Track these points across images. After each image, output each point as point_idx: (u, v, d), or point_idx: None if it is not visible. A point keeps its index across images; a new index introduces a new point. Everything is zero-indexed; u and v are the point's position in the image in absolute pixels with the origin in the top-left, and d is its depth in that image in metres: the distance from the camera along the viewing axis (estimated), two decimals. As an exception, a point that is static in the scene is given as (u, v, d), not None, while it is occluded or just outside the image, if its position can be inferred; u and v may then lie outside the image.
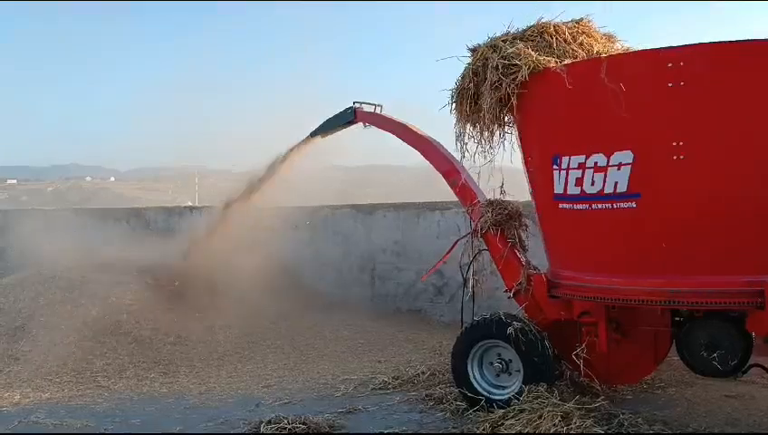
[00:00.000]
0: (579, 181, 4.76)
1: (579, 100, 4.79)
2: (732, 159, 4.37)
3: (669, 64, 4.36)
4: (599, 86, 4.49)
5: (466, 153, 5.52)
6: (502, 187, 5.66)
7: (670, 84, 4.37)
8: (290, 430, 4.96)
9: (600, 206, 4.70)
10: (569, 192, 4.85)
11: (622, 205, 4.60)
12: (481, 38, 5.33)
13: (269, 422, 5.07)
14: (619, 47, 5.57)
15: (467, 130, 5.43)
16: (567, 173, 4.83)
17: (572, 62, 4.93)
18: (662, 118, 4.47)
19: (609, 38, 5.60)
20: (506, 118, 5.31)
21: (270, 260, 9.98)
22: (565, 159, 4.84)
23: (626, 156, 4.52)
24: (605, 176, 4.61)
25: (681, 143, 4.37)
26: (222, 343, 8.58)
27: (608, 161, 4.60)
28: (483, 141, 5.41)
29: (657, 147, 4.48)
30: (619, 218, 4.65)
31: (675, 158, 4.39)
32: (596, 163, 4.66)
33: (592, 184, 4.69)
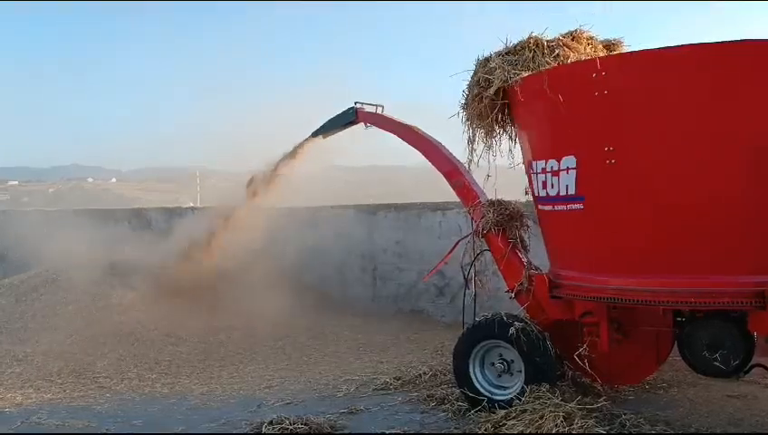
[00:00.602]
0: (544, 184, 5.10)
1: (534, 110, 5.14)
2: (657, 163, 4.54)
3: (594, 75, 4.63)
4: (545, 97, 4.81)
5: (474, 157, 5.74)
6: (526, 188, 5.74)
7: (596, 93, 4.63)
8: (291, 430, 4.95)
9: (559, 207, 5.05)
10: (540, 194, 5.20)
11: (573, 206, 4.92)
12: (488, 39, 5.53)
13: (271, 423, 5.06)
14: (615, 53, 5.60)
15: (476, 137, 5.66)
16: (537, 177, 5.19)
17: (524, 76, 5.14)
18: (594, 125, 4.74)
19: (608, 46, 5.64)
20: (497, 125, 5.57)
21: (271, 261, 9.99)
22: (534, 164, 5.21)
23: (571, 161, 4.84)
24: (559, 179, 4.95)
25: (611, 148, 4.63)
26: (224, 343, 8.59)
27: (559, 166, 4.93)
28: (487, 147, 5.67)
29: (592, 152, 4.74)
30: (572, 219, 4.98)
31: (607, 162, 4.64)
32: (552, 168, 5.00)
33: (552, 187, 5.03)
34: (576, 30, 5.54)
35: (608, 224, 4.77)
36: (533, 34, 5.40)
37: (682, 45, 4.39)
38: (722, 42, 4.29)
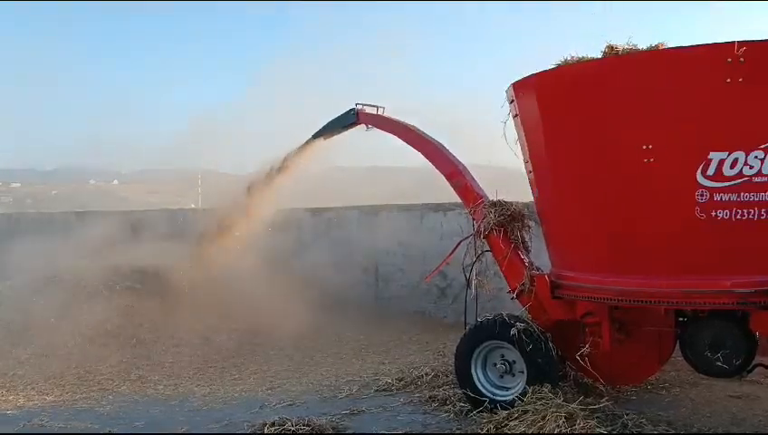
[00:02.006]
0: None
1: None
2: (551, 175, 5.17)
3: (512, 100, 5.34)
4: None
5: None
6: None
7: (514, 114, 5.38)
8: (293, 431, 4.96)
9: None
10: None
11: (537, 206, 5.62)
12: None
13: (273, 424, 5.06)
14: None
15: None
16: None
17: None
18: (521, 141, 5.46)
19: None
20: None
21: (273, 262, 9.98)
22: None
23: (528, 166, 5.49)
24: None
25: (527, 161, 5.40)
26: (226, 345, 8.60)
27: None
28: None
29: (525, 163, 5.51)
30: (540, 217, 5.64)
31: (528, 173, 5.48)
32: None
33: None
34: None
35: (548, 225, 5.40)
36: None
37: (535, 73, 4.95)
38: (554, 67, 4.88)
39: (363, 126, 7.89)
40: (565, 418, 4.55)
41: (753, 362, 4.70)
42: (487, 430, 4.79)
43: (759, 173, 4.22)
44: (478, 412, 5.21)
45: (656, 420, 4.96)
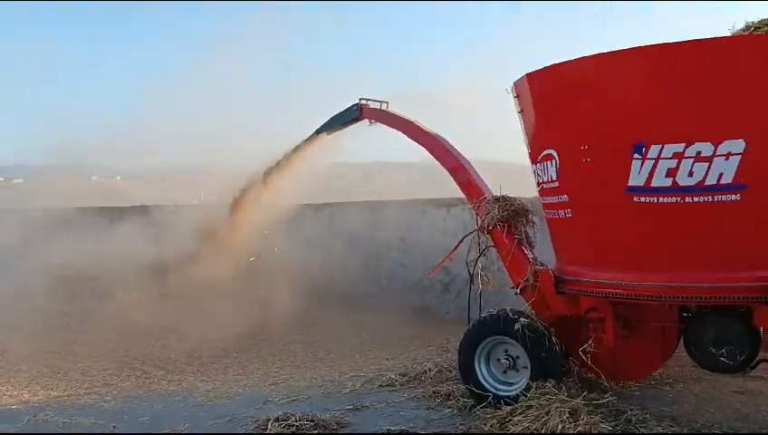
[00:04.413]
0: None
1: None
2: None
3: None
4: None
5: None
6: None
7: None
8: (297, 427, 4.96)
9: None
10: None
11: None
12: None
13: (276, 420, 5.07)
14: None
15: None
16: None
17: None
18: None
19: None
20: None
21: (276, 258, 9.99)
22: None
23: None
24: None
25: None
26: (229, 341, 8.61)
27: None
28: None
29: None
30: None
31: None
32: None
33: None
34: None
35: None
36: None
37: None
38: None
39: (367, 121, 7.88)
40: (569, 413, 4.55)
41: (758, 358, 4.68)
42: (491, 426, 4.79)
43: (547, 181, 5.14)
44: (482, 408, 5.20)
45: (660, 415, 4.96)
